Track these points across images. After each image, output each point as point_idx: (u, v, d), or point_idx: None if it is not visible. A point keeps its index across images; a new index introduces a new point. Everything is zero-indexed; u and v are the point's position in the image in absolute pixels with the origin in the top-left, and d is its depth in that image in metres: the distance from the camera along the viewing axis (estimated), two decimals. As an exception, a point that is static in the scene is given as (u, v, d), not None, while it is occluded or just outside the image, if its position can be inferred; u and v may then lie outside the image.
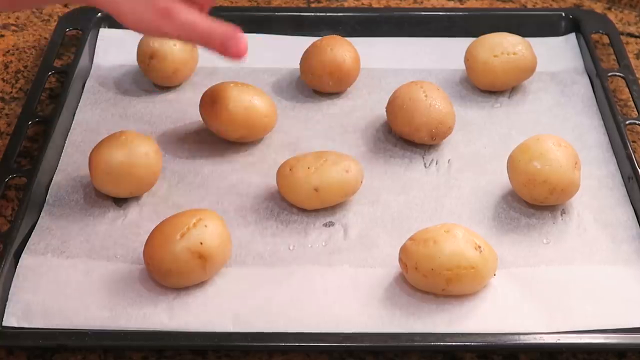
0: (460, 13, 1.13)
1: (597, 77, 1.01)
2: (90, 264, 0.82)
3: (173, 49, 0.99)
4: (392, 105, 0.94)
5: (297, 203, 0.87)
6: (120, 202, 0.88)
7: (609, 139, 0.95)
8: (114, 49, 1.06)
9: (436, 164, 0.93)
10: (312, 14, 1.13)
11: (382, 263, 0.82)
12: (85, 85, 1.02)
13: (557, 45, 1.08)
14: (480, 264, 0.77)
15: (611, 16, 1.13)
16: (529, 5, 1.17)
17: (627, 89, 1.01)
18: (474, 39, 1.02)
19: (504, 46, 0.99)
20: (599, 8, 1.16)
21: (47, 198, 0.89)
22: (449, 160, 0.94)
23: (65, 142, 0.95)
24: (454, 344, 0.76)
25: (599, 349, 0.77)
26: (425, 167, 0.93)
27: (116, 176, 0.86)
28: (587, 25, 1.09)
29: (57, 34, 1.07)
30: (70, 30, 1.08)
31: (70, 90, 0.99)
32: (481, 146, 0.96)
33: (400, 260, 0.80)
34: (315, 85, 1.01)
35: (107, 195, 0.88)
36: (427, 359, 0.77)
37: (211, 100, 0.92)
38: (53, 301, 0.79)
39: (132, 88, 1.02)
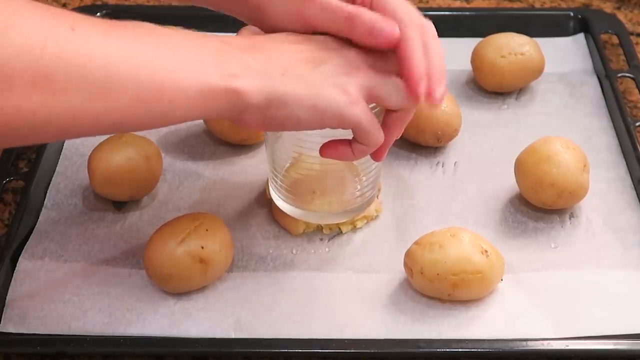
0: (467, 13, 1.13)
1: (607, 78, 1.00)
2: (89, 269, 0.81)
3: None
4: (397, 107, 0.93)
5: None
6: (119, 205, 0.87)
7: (619, 141, 0.94)
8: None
9: (442, 166, 0.92)
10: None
11: (387, 268, 0.82)
12: (86, 86, 1.01)
13: (566, 46, 1.07)
14: (486, 268, 0.76)
15: (620, 16, 1.12)
16: (537, 5, 1.16)
17: (637, 90, 1.00)
18: (480, 39, 1.01)
19: (512, 46, 0.98)
20: (608, 8, 1.15)
21: (45, 202, 0.88)
22: (455, 162, 0.93)
23: (63, 145, 0.94)
24: (460, 350, 0.75)
25: (608, 355, 0.76)
26: (431, 169, 0.92)
27: (115, 179, 0.85)
28: (596, 25, 1.08)
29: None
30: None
31: (70, 92, 0.98)
32: (488, 148, 0.95)
33: (405, 265, 0.79)
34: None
35: (107, 199, 0.87)
36: (433, 365, 0.76)
37: (213, 102, 0.91)
38: (51, 306, 0.78)
39: (133, 89, 1.01)
